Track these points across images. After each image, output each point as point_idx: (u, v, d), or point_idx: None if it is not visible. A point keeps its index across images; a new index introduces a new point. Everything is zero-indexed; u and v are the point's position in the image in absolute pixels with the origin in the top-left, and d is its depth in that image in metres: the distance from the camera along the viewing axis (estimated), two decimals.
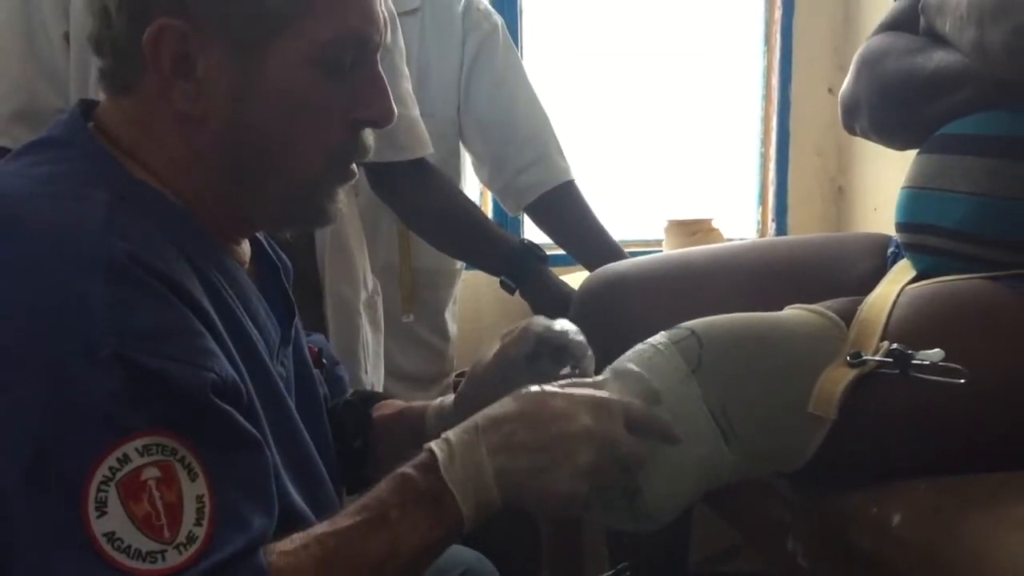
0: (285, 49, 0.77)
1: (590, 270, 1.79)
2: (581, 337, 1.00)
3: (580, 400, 0.81)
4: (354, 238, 1.61)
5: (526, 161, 1.83)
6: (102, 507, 0.63)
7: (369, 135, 0.84)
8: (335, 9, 0.78)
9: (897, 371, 0.94)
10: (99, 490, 0.63)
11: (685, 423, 0.93)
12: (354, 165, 0.85)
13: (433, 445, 0.78)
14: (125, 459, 0.65)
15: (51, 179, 0.75)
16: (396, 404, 1.08)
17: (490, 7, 1.91)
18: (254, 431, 0.73)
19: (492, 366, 0.98)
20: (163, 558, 0.65)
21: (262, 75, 0.77)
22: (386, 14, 0.83)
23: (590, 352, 1.00)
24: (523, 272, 1.71)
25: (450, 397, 1.05)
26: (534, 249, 1.72)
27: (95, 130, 0.80)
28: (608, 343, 1.09)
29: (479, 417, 0.79)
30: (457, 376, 2.05)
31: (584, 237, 1.82)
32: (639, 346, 1.01)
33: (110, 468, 0.64)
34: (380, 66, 0.83)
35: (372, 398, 1.10)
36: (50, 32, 1.40)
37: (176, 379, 0.67)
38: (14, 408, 0.64)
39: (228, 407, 0.70)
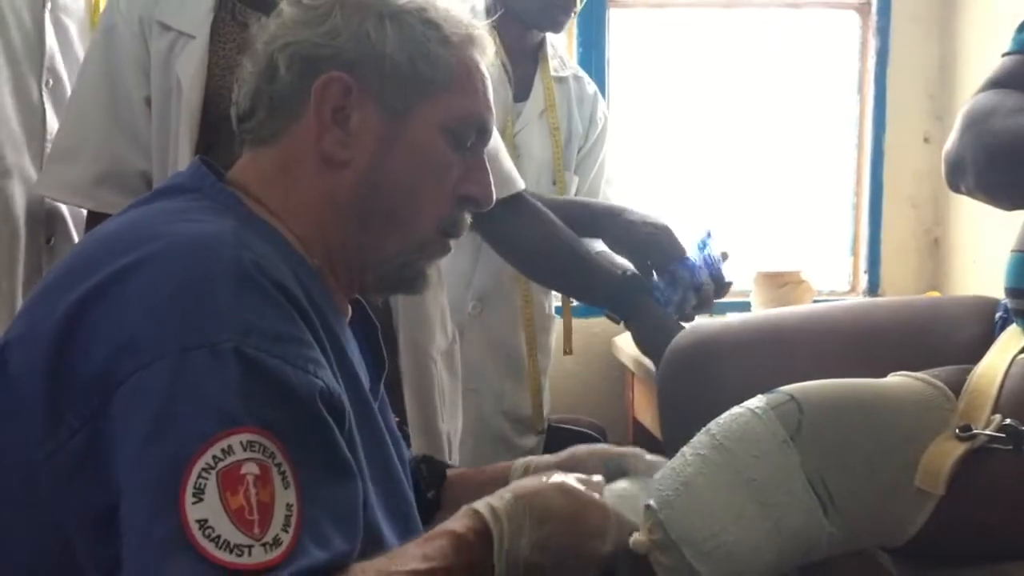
0: (427, 114, 0.88)
1: None
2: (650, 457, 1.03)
3: (614, 520, 0.86)
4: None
5: None
6: (199, 493, 0.66)
7: (467, 215, 0.93)
8: (468, 92, 0.90)
9: (1010, 447, 0.91)
10: (200, 476, 0.66)
11: (781, 491, 0.91)
12: (450, 241, 0.92)
13: (489, 520, 0.80)
14: (229, 450, 0.67)
15: (184, 210, 0.82)
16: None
17: None
18: (350, 459, 0.75)
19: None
20: (249, 553, 0.66)
21: (404, 133, 0.87)
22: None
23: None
24: (628, 304, 1.67)
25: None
26: (638, 280, 1.68)
27: (222, 182, 0.87)
28: (699, 405, 1.07)
29: (528, 503, 0.82)
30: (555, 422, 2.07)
31: None
32: (735, 409, 0.99)
33: (213, 456, 0.66)
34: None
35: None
36: (132, 97, 1.46)
37: (288, 380, 0.71)
38: (137, 390, 0.68)
39: (331, 421, 0.73)
